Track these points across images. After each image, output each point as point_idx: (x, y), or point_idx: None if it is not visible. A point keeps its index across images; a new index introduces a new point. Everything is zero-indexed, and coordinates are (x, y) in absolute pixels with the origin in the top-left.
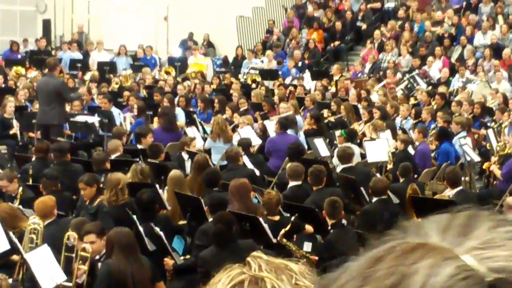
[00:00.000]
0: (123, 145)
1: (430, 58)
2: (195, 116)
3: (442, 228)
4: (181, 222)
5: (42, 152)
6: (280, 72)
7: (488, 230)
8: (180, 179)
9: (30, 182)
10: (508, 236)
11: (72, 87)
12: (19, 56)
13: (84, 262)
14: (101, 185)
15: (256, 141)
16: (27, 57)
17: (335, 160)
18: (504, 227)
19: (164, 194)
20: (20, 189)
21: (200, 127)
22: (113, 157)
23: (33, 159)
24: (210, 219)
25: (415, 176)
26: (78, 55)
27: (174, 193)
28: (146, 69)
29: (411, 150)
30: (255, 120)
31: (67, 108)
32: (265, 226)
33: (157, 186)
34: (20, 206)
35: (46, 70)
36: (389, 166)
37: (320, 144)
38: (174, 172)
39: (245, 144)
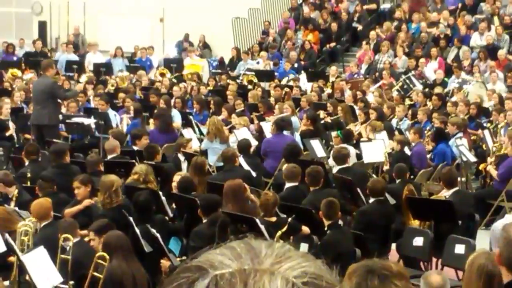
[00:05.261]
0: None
1: (422, 60)
2: (191, 117)
3: (235, 258)
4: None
5: (33, 154)
6: (276, 73)
7: (268, 249)
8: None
9: (28, 184)
10: (286, 249)
11: (68, 88)
12: (15, 58)
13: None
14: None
15: (253, 142)
16: (23, 59)
17: (331, 161)
18: (276, 245)
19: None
20: (16, 191)
21: (196, 129)
22: (110, 157)
23: (27, 162)
24: (204, 221)
25: (412, 177)
26: (74, 57)
27: (172, 194)
28: (142, 72)
29: (407, 151)
30: (252, 121)
31: (63, 109)
32: (262, 227)
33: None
34: (16, 208)
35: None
36: (386, 167)
37: (316, 145)
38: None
39: (244, 145)
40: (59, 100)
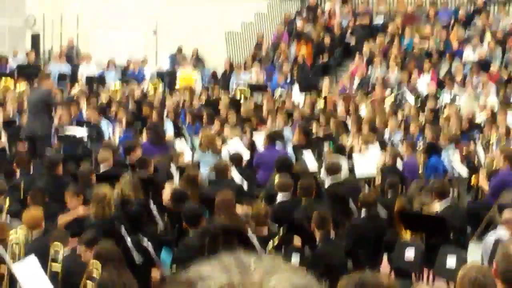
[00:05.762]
0: None
1: (414, 74)
2: (183, 129)
3: (223, 271)
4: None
5: (24, 164)
6: (269, 87)
7: (257, 262)
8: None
9: (21, 196)
10: (275, 263)
11: (60, 101)
12: (7, 70)
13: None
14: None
15: (245, 155)
16: (16, 71)
17: (323, 174)
18: (265, 258)
19: (154, 207)
20: (7, 201)
21: (188, 140)
22: (102, 167)
23: (18, 174)
24: (191, 232)
25: (403, 189)
26: (66, 68)
27: (163, 206)
28: (133, 84)
29: (399, 164)
30: (244, 134)
31: (56, 121)
32: (254, 239)
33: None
34: (8, 217)
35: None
36: (378, 180)
37: (309, 157)
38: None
39: (237, 158)
40: (52, 112)
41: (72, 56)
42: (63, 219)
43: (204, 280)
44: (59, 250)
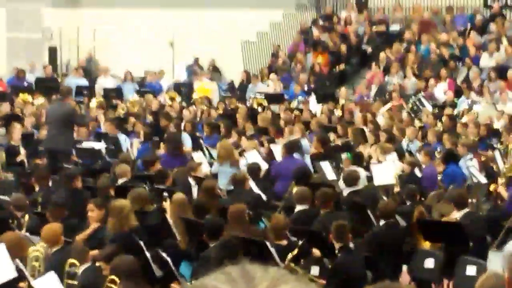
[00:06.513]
0: None
1: (431, 81)
2: (201, 141)
3: (229, 282)
4: None
5: (43, 179)
6: (286, 96)
7: (263, 273)
8: (183, 203)
9: (39, 210)
10: (281, 274)
11: (83, 114)
12: (25, 84)
13: None
14: None
15: (263, 166)
16: (34, 84)
17: (341, 184)
18: (271, 269)
19: (171, 220)
20: (27, 216)
21: (206, 152)
22: (120, 182)
23: (37, 188)
24: (211, 245)
25: (422, 198)
26: (84, 82)
27: (181, 219)
28: (150, 96)
29: (418, 172)
30: (261, 144)
31: (74, 135)
32: (272, 250)
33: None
34: (27, 234)
35: (59, 96)
36: (396, 189)
37: (327, 167)
38: (177, 196)
39: (254, 169)
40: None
41: (90, 69)
42: (81, 236)
43: None
44: (76, 267)
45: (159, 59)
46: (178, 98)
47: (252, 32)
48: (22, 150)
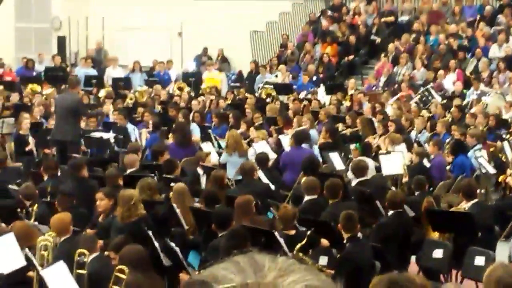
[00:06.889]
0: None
1: (440, 72)
2: (210, 131)
3: (238, 272)
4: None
5: (52, 169)
6: (294, 86)
7: (271, 263)
8: (182, 192)
9: (48, 199)
10: (289, 263)
11: (87, 103)
12: (34, 73)
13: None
14: None
15: (271, 156)
16: (43, 74)
17: (350, 174)
18: (279, 259)
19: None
20: (36, 206)
21: (215, 142)
22: (129, 171)
23: (46, 177)
24: (220, 234)
25: (431, 189)
26: (92, 71)
27: (190, 208)
28: (158, 86)
29: (426, 163)
30: (270, 135)
31: (83, 124)
32: (281, 240)
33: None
34: (36, 223)
35: (67, 87)
36: (405, 179)
37: (335, 157)
38: (178, 185)
39: (263, 159)
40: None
41: (99, 59)
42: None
43: (219, 283)
44: (85, 256)
45: (167, 49)
46: (187, 88)
47: (261, 22)
48: (31, 140)
